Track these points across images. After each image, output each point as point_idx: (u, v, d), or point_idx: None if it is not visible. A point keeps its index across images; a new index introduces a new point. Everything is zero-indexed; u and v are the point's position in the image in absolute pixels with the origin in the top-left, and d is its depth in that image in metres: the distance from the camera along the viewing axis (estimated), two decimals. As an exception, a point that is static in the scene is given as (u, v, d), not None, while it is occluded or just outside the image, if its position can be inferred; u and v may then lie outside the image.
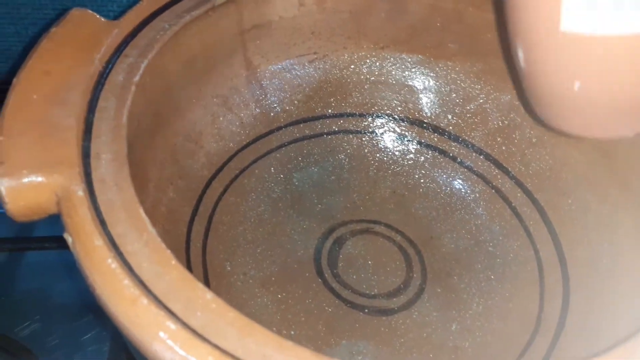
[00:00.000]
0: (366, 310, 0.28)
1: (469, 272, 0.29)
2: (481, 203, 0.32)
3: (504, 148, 0.32)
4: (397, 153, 0.34)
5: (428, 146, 0.34)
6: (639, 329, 0.17)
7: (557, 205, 0.30)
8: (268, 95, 0.32)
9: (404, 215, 0.32)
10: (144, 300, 0.15)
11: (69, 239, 0.17)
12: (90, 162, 0.19)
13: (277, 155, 0.33)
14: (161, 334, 0.14)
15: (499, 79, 0.32)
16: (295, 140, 0.33)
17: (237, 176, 0.31)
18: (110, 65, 0.22)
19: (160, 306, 0.15)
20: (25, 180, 0.18)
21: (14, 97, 0.20)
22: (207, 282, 0.26)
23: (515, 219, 0.31)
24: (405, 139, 0.34)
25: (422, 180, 0.33)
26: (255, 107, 0.32)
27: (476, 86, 0.33)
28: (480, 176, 0.32)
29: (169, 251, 0.17)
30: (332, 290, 0.28)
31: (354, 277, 0.29)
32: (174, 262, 0.16)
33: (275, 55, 0.32)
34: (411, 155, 0.34)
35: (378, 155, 0.34)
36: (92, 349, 0.29)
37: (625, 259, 0.25)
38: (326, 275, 0.29)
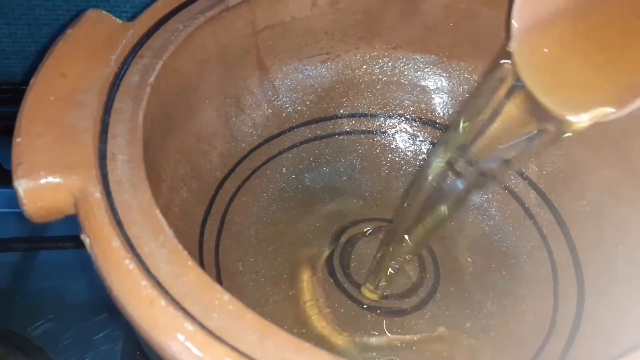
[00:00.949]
0: (378, 311, 0.28)
1: (483, 272, 0.29)
2: (494, 204, 0.32)
3: (517, 149, 0.32)
4: (409, 153, 0.34)
5: (440, 147, 0.33)
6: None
7: (571, 207, 0.29)
8: (280, 96, 0.32)
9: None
10: (162, 302, 0.15)
11: (86, 240, 0.17)
12: (106, 164, 0.19)
13: (289, 155, 0.33)
14: (179, 335, 0.14)
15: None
16: (307, 141, 0.33)
17: (249, 176, 0.31)
18: (125, 67, 0.22)
19: (178, 307, 0.15)
20: (43, 181, 0.18)
21: (30, 98, 0.20)
22: (219, 282, 0.26)
23: (529, 220, 0.31)
24: (418, 139, 0.34)
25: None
26: (268, 108, 0.32)
27: (489, 86, 0.33)
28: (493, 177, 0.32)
29: (185, 252, 0.17)
30: (343, 291, 0.28)
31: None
32: (190, 263, 0.16)
33: (288, 56, 0.32)
34: (423, 156, 0.34)
35: (390, 155, 0.34)
36: (105, 348, 0.29)
37: (641, 262, 0.25)
38: (338, 275, 0.29)
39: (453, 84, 0.33)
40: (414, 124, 0.34)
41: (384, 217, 0.31)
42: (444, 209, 0.26)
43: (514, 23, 0.23)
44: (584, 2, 0.23)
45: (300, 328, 0.26)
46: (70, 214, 0.18)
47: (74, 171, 0.18)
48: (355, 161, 0.34)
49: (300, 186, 0.32)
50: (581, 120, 0.22)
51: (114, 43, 0.23)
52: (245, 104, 0.31)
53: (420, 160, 0.34)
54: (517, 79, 0.24)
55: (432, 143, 0.34)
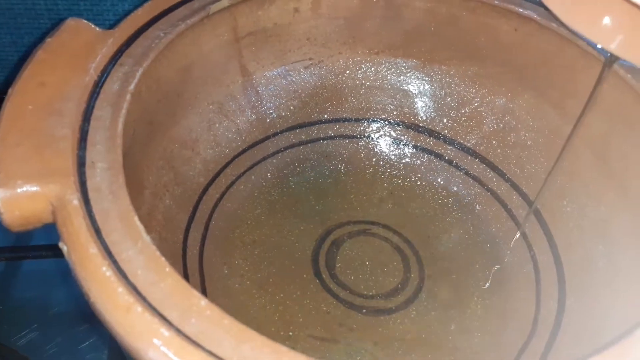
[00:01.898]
0: (364, 311, 0.28)
1: (467, 272, 0.30)
2: (477, 206, 0.32)
3: (499, 151, 0.32)
4: (393, 157, 0.34)
5: (424, 150, 0.34)
6: (629, 331, 0.17)
7: (552, 208, 0.30)
8: (264, 102, 0.32)
9: (401, 217, 0.32)
10: (138, 308, 0.15)
11: (64, 247, 0.17)
12: (85, 171, 0.19)
13: (274, 160, 0.33)
14: (155, 341, 0.14)
15: (494, 82, 0.32)
16: (292, 146, 0.33)
17: (233, 182, 0.31)
18: (105, 75, 0.22)
19: (155, 313, 0.15)
20: (20, 190, 0.18)
21: (9, 108, 0.20)
22: (204, 288, 0.26)
23: (511, 221, 0.31)
24: (401, 143, 0.34)
25: (418, 183, 0.33)
26: (251, 114, 0.32)
27: (471, 90, 0.33)
28: (476, 179, 0.33)
29: (163, 258, 0.17)
30: (329, 291, 0.28)
31: (352, 277, 0.29)
32: (168, 269, 0.16)
33: (271, 62, 0.32)
34: (407, 159, 0.34)
35: (374, 159, 0.34)
36: (90, 357, 0.29)
37: (620, 261, 0.26)
38: (324, 276, 0.29)
39: (435, 87, 0.34)
40: (398, 127, 0.34)
41: (369, 219, 0.32)
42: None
43: None
44: None
45: (287, 331, 0.27)
46: (49, 222, 0.18)
47: (52, 179, 0.18)
48: (340, 165, 0.34)
49: (285, 189, 0.32)
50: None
51: (94, 51, 0.23)
52: (228, 110, 0.31)
53: (403, 164, 0.34)
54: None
55: (415, 147, 0.34)
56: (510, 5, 0.29)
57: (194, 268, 0.27)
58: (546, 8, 0.24)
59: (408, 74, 0.34)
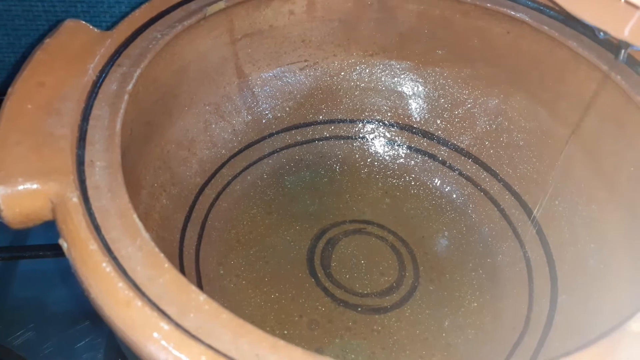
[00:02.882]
0: (359, 309, 0.28)
1: (461, 271, 0.30)
2: (470, 205, 0.33)
3: (491, 151, 0.33)
4: (387, 158, 0.34)
5: (418, 150, 0.34)
6: (616, 327, 0.17)
7: (544, 207, 0.30)
8: (260, 103, 0.33)
9: (395, 216, 0.32)
10: (138, 302, 0.15)
11: (64, 244, 0.17)
12: (84, 170, 0.19)
13: (269, 161, 0.33)
14: (155, 334, 0.15)
15: (486, 84, 0.33)
16: (287, 147, 0.34)
17: (229, 182, 0.31)
18: (103, 75, 0.23)
19: (154, 308, 0.15)
20: (21, 187, 0.18)
21: (8, 107, 0.20)
22: (200, 287, 0.26)
23: (504, 221, 0.31)
24: (396, 143, 0.35)
25: (412, 183, 0.34)
26: (247, 114, 0.32)
27: (464, 91, 0.33)
28: (469, 179, 0.33)
29: (162, 255, 0.17)
30: (325, 290, 0.29)
31: (347, 276, 0.29)
32: (167, 265, 0.17)
33: (267, 63, 0.33)
34: (401, 160, 0.34)
35: (369, 159, 0.35)
36: (86, 356, 0.29)
37: (610, 259, 0.26)
38: (319, 275, 0.29)
39: (429, 89, 0.34)
40: (392, 129, 0.35)
41: (364, 219, 0.32)
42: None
43: None
44: None
45: (282, 329, 0.27)
46: (49, 219, 0.19)
47: (52, 177, 0.18)
48: (335, 165, 0.34)
49: (281, 189, 0.33)
50: None
51: (92, 52, 0.23)
52: (224, 111, 0.31)
53: (398, 164, 0.34)
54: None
55: (409, 147, 0.34)
56: (503, 8, 0.30)
57: (190, 267, 0.27)
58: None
59: (402, 76, 0.34)
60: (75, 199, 0.18)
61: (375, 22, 0.32)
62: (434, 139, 0.34)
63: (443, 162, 0.34)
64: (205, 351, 0.15)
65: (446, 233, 0.32)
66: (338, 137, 0.35)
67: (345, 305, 0.28)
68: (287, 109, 0.34)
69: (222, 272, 0.28)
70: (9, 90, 0.21)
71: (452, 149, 0.34)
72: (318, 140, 0.34)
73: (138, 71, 0.23)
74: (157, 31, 0.25)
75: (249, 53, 0.31)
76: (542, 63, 0.30)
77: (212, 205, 0.30)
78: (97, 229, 0.17)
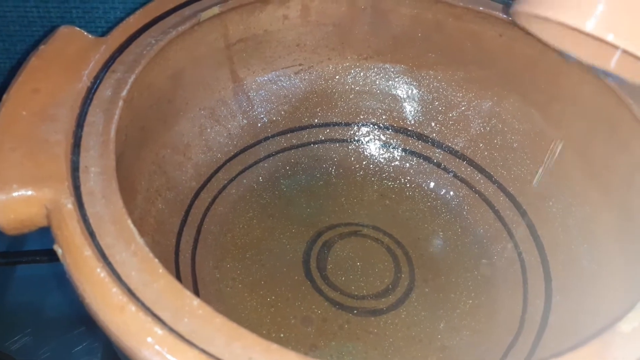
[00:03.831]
0: (355, 311, 0.28)
1: (456, 272, 0.30)
2: (465, 207, 0.33)
3: (486, 153, 0.33)
4: (382, 160, 0.35)
5: (413, 153, 0.34)
6: (606, 328, 0.17)
7: (538, 208, 0.30)
8: (255, 107, 0.33)
9: (391, 218, 0.32)
10: (132, 308, 0.15)
11: (59, 250, 0.17)
12: (79, 176, 0.19)
13: (265, 165, 0.33)
14: (149, 339, 0.15)
15: (480, 86, 0.33)
16: (283, 150, 0.34)
17: (225, 186, 0.31)
18: (98, 81, 0.23)
19: (148, 313, 0.15)
20: (15, 194, 0.18)
21: (3, 113, 0.20)
22: (196, 291, 0.26)
23: (499, 222, 0.31)
24: (391, 146, 0.35)
25: (407, 185, 0.34)
26: (243, 119, 0.33)
27: (458, 94, 0.34)
28: (464, 181, 0.33)
29: (156, 260, 0.17)
30: (321, 293, 0.29)
31: (343, 278, 0.29)
32: (161, 270, 0.17)
33: (262, 68, 0.33)
34: (396, 162, 0.35)
35: (364, 162, 0.35)
36: (84, 360, 0.29)
37: (604, 259, 0.26)
38: (315, 278, 0.29)
39: (423, 92, 0.34)
40: (387, 131, 0.35)
41: (360, 221, 0.32)
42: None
43: None
44: None
45: (278, 332, 0.27)
46: (43, 225, 0.19)
47: (46, 183, 0.18)
48: (330, 169, 0.34)
49: (276, 193, 0.33)
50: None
51: (87, 58, 0.23)
52: (220, 115, 0.32)
53: (393, 166, 0.34)
54: None
55: (404, 150, 0.34)
56: (495, 11, 0.30)
57: (186, 272, 0.27)
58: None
59: (396, 79, 0.34)
60: (69, 205, 0.18)
61: (369, 26, 0.33)
62: (428, 141, 0.34)
63: (438, 164, 0.34)
64: (199, 355, 0.15)
65: (441, 235, 0.32)
66: (333, 140, 0.35)
67: (341, 308, 0.28)
68: (283, 112, 0.34)
69: (218, 275, 0.28)
70: (4, 96, 0.21)
71: (446, 151, 0.34)
72: (313, 144, 0.34)
73: (132, 77, 0.23)
74: (152, 37, 0.26)
75: (243, 57, 0.32)
76: (534, 65, 0.30)
77: (207, 209, 0.30)
78: (91, 234, 0.17)
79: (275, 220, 0.31)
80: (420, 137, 0.34)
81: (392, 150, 0.35)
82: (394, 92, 0.35)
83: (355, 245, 0.31)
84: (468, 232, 0.32)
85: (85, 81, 0.22)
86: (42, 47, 0.23)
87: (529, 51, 0.30)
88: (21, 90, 0.21)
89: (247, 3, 0.29)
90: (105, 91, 0.23)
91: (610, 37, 0.21)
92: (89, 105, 0.22)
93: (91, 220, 0.18)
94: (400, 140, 0.35)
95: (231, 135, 0.32)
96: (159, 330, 0.15)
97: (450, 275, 0.30)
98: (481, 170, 0.33)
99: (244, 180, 0.32)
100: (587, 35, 0.22)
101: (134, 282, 0.16)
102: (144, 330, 0.15)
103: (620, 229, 0.26)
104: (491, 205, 0.32)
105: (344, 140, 0.35)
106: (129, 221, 0.18)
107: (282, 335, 0.27)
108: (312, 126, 0.35)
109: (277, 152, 0.34)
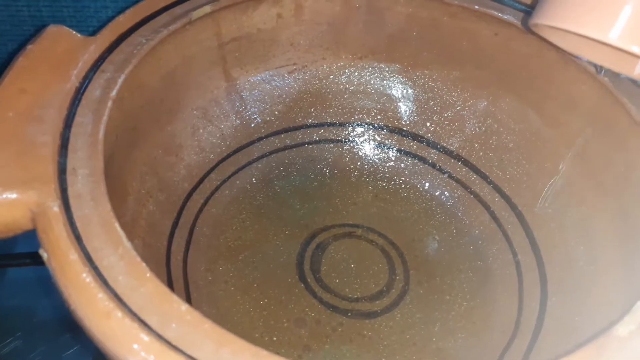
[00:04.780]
0: (349, 314, 0.28)
1: (451, 274, 0.30)
2: (460, 208, 0.32)
3: (481, 154, 0.33)
4: (377, 161, 0.34)
5: (407, 153, 0.34)
6: (602, 331, 0.17)
7: (534, 209, 0.30)
8: (248, 107, 0.33)
9: (385, 219, 0.32)
10: (118, 313, 0.15)
11: (44, 254, 0.17)
12: (66, 178, 0.19)
13: (259, 165, 0.33)
14: (135, 346, 0.15)
15: (475, 86, 0.32)
16: (277, 150, 0.33)
17: (218, 188, 0.31)
18: (87, 81, 0.22)
19: (135, 319, 0.15)
20: None
21: (-11, 115, 0.20)
22: (188, 294, 0.26)
23: (494, 223, 0.31)
24: (385, 146, 0.34)
25: (402, 186, 0.34)
26: (236, 119, 0.32)
27: (453, 94, 0.33)
28: (459, 182, 0.33)
29: (144, 264, 0.17)
30: (314, 295, 0.28)
31: (337, 281, 0.29)
32: (149, 274, 0.16)
33: (255, 67, 0.32)
34: (391, 163, 0.34)
35: (359, 163, 0.34)
36: (75, 364, 0.29)
37: (600, 261, 0.26)
38: (309, 280, 0.29)
39: (418, 91, 0.34)
40: (382, 131, 0.35)
41: (354, 222, 0.32)
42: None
43: None
44: None
45: (271, 336, 0.27)
46: (29, 229, 0.18)
47: (32, 186, 0.18)
48: (324, 169, 0.34)
49: (270, 194, 0.32)
50: None
51: (75, 58, 0.23)
52: (212, 116, 0.31)
53: (388, 167, 0.34)
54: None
55: (399, 150, 0.34)
56: (490, 10, 0.30)
57: (178, 274, 0.27)
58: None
59: (391, 79, 0.34)
60: (56, 208, 0.18)
61: (363, 24, 0.32)
62: (423, 141, 0.34)
63: (433, 165, 0.34)
64: (187, 362, 0.15)
65: (436, 236, 0.32)
66: (328, 141, 0.34)
67: (335, 310, 0.28)
68: (276, 112, 0.33)
69: (210, 278, 0.28)
70: (-10, 97, 0.21)
71: (441, 152, 0.33)
72: (307, 144, 0.34)
73: (122, 77, 0.23)
74: (142, 36, 0.25)
75: (236, 57, 0.31)
76: (530, 65, 0.30)
77: (200, 210, 0.30)
78: (78, 238, 0.17)
79: (268, 221, 0.31)
80: (415, 137, 0.34)
81: (386, 150, 0.34)
82: (389, 92, 0.34)
83: (349, 247, 0.31)
84: (463, 233, 0.32)
85: (73, 81, 0.22)
86: (29, 46, 0.23)
87: (524, 50, 0.30)
88: (7, 91, 0.21)
89: (240, 1, 0.29)
90: (94, 91, 0.22)
91: (635, 49, 0.22)
92: (78, 105, 0.21)
93: (78, 224, 0.18)
94: (395, 141, 0.34)
95: (224, 136, 0.32)
96: (145, 337, 0.15)
97: (445, 277, 0.30)
98: (476, 170, 0.33)
99: (237, 182, 0.32)
100: (608, 45, 0.22)
101: (120, 286, 0.16)
102: (130, 337, 0.15)
103: (617, 230, 0.26)
104: (486, 206, 0.32)
105: (338, 141, 0.35)
106: (117, 224, 0.18)
107: (275, 338, 0.27)
108: (306, 126, 0.34)
109: (271, 153, 0.33)
